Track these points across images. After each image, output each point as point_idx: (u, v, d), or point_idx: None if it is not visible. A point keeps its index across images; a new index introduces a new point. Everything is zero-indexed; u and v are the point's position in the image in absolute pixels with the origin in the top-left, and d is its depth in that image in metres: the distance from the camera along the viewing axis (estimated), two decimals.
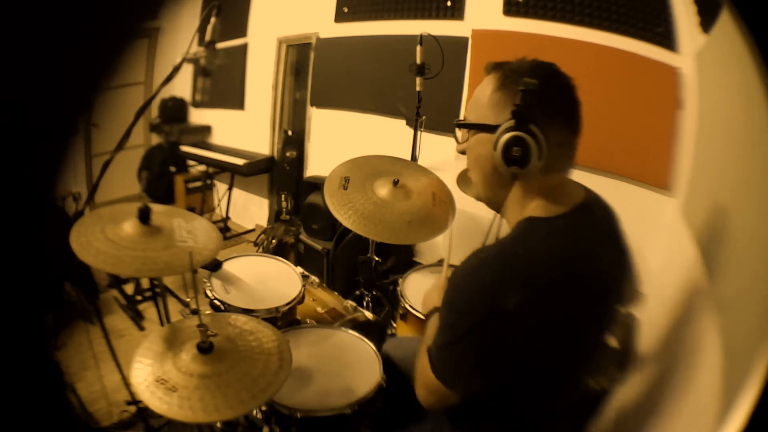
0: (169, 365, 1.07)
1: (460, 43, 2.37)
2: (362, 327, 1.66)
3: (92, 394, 1.93)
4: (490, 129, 0.86)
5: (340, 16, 2.96)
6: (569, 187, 0.91)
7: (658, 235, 1.54)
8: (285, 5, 3.30)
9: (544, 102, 0.82)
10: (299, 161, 3.28)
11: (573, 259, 0.81)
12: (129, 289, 2.62)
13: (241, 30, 3.50)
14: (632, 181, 1.86)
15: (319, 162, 3.25)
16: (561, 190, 0.90)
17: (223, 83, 3.57)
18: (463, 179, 1.95)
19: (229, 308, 1.51)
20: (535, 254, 0.81)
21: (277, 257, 1.84)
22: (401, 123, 2.63)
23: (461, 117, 0.96)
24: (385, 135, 2.78)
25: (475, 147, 0.91)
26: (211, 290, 1.57)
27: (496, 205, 0.94)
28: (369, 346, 1.39)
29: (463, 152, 0.96)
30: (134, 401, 1.73)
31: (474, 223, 2.29)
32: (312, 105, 3.23)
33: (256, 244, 3.07)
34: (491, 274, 0.80)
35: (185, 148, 3.57)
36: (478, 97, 0.91)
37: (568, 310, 0.80)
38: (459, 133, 0.96)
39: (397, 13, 2.67)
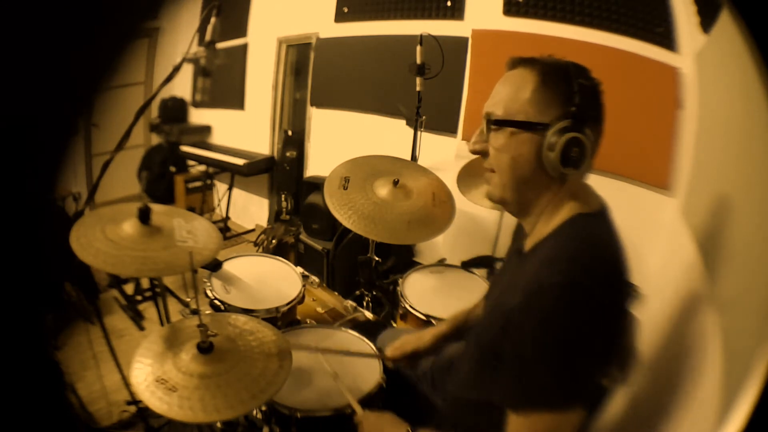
0: (169, 365, 1.07)
1: (460, 43, 2.37)
2: (362, 327, 1.66)
3: (92, 394, 1.93)
4: (537, 128, 0.83)
5: (340, 16, 2.96)
6: (590, 187, 0.92)
7: (658, 235, 1.54)
8: (285, 5, 3.31)
9: (594, 104, 0.83)
10: (299, 161, 3.28)
11: (620, 257, 0.83)
12: (129, 289, 2.62)
13: (241, 30, 3.50)
14: (632, 181, 1.87)
15: (319, 162, 3.25)
16: (586, 189, 0.90)
17: (223, 83, 3.57)
18: (463, 179, 1.95)
19: (229, 308, 1.51)
20: (605, 246, 0.82)
21: (277, 257, 1.84)
22: (401, 123, 2.63)
23: (486, 114, 0.91)
24: (385, 135, 2.78)
25: (513, 147, 0.86)
26: (211, 290, 1.57)
27: (524, 207, 0.91)
28: (369, 346, 1.39)
29: (479, 152, 0.91)
30: (134, 401, 1.73)
31: (474, 223, 2.30)
32: (312, 105, 3.23)
33: (256, 244, 3.07)
34: (585, 283, 0.75)
35: (185, 148, 3.58)
36: (512, 92, 0.86)
37: (624, 304, 0.82)
38: (479, 131, 0.91)
39: (397, 13, 2.68)
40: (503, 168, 0.88)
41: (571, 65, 0.85)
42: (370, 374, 1.27)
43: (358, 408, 1.13)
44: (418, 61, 2.02)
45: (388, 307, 2.01)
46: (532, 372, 0.77)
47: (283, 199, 3.16)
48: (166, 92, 3.76)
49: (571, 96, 0.81)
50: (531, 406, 0.78)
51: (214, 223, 2.70)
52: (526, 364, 0.78)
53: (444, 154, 2.43)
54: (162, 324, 1.67)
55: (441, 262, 1.99)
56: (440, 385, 1.25)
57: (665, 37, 1.71)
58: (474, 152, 0.93)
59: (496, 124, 0.87)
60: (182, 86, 3.76)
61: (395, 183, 1.65)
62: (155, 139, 3.70)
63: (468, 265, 1.90)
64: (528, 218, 0.92)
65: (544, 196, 0.88)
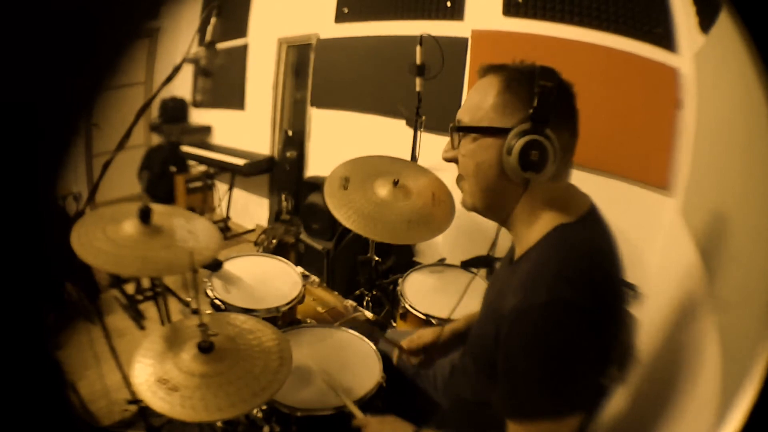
0: (170, 365, 1.07)
1: (459, 44, 2.38)
2: (362, 327, 1.66)
3: (93, 393, 1.94)
4: (498, 133, 0.83)
5: (340, 17, 2.97)
6: (575, 191, 0.90)
7: (658, 235, 1.54)
8: (285, 6, 3.31)
9: (557, 106, 0.81)
10: (299, 161, 3.28)
11: (610, 261, 0.82)
12: (130, 288, 2.62)
13: (241, 30, 3.50)
14: (631, 181, 1.87)
15: (319, 162, 3.25)
16: (569, 194, 0.89)
17: (224, 83, 3.57)
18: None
19: (229, 308, 1.51)
20: (590, 255, 0.80)
21: (278, 257, 1.84)
22: (401, 123, 2.63)
23: (456, 121, 0.91)
24: (385, 135, 2.78)
25: (477, 153, 0.86)
26: (211, 290, 1.57)
27: (498, 215, 0.91)
28: (369, 345, 1.39)
29: (451, 160, 0.92)
30: (135, 400, 1.73)
31: (474, 223, 2.29)
32: (312, 105, 3.23)
33: (256, 243, 3.08)
34: (570, 299, 0.74)
35: (186, 148, 3.58)
36: (479, 99, 0.86)
37: (616, 309, 0.82)
38: (450, 139, 0.91)
39: (397, 14, 2.68)
40: (470, 174, 0.89)
41: (538, 68, 0.84)
42: (369, 374, 1.27)
43: (358, 413, 1.10)
44: (418, 61, 2.03)
45: (388, 307, 2.01)
46: (525, 385, 0.78)
47: (283, 199, 3.17)
48: (167, 92, 3.76)
49: (531, 98, 0.80)
50: (527, 416, 0.78)
51: (215, 223, 2.71)
52: (519, 378, 0.78)
53: None
54: (163, 323, 1.67)
55: (441, 262, 1.99)
56: (443, 386, 1.25)
57: (664, 38, 1.71)
58: (445, 160, 0.93)
59: (459, 130, 0.88)
60: (182, 86, 3.75)
61: (395, 183, 1.65)
62: (156, 139, 3.70)
63: (468, 265, 1.90)
64: (508, 226, 0.91)
65: (515, 203, 0.86)
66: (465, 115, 0.88)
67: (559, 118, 0.82)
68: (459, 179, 0.92)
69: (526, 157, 0.79)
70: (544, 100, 0.79)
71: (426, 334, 1.23)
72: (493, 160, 0.84)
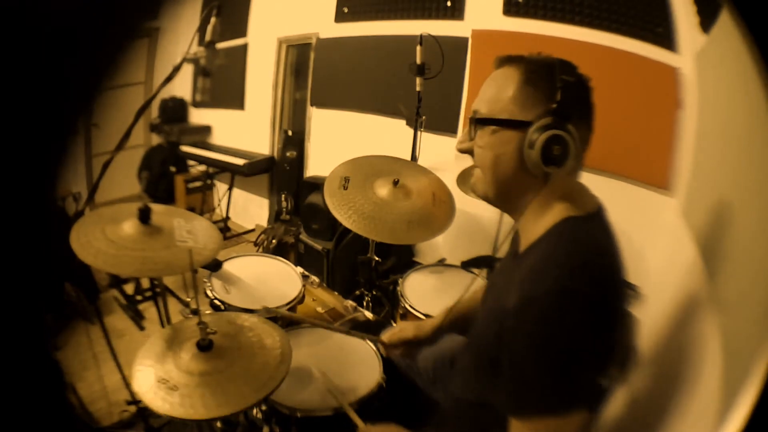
0: (169, 365, 1.07)
1: (460, 44, 2.38)
2: (362, 327, 1.66)
3: (92, 393, 1.94)
4: (519, 126, 0.82)
5: (340, 17, 2.97)
6: (586, 189, 0.90)
7: (659, 236, 1.54)
8: (285, 5, 3.31)
9: (579, 100, 0.81)
10: (299, 161, 3.28)
11: (613, 259, 0.82)
12: (129, 288, 2.62)
13: (241, 30, 3.51)
14: (632, 181, 1.87)
15: (319, 162, 3.25)
16: (580, 191, 0.89)
17: (223, 83, 3.57)
18: (463, 179, 1.95)
19: (229, 308, 1.51)
20: (596, 250, 0.80)
21: (278, 257, 1.84)
22: (401, 123, 2.63)
23: (472, 112, 0.90)
24: (385, 135, 2.78)
25: (495, 145, 0.85)
26: (211, 290, 1.57)
27: (510, 206, 0.90)
28: (369, 345, 1.39)
29: (466, 151, 0.91)
30: (134, 401, 1.73)
31: (474, 223, 2.30)
32: (312, 105, 3.23)
33: (256, 244, 3.08)
34: (574, 289, 0.74)
35: (185, 148, 3.58)
36: (497, 90, 0.85)
37: (619, 305, 0.82)
38: (466, 130, 0.90)
39: (397, 14, 2.68)
40: (486, 166, 0.88)
41: (557, 62, 0.83)
42: (370, 374, 1.27)
43: (359, 421, 1.09)
44: (418, 61, 2.02)
45: (388, 307, 2.01)
46: (529, 379, 0.77)
47: (283, 199, 3.16)
48: (167, 92, 3.76)
49: (554, 93, 0.79)
50: (530, 412, 0.78)
51: (214, 223, 2.71)
52: (523, 372, 0.77)
53: (444, 154, 2.43)
54: (162, 324, 1.67)
55: (441, 262, 1.99)
56: (441, 383, 1.25)
57: (665, 37, 1.71)
58: (460, 151, 0.92)
59: (480, 122, 0.87)
60: (182, 86, 3.76)
61: (395, 183, 1.65)
62: (155, 139, 3.70)
63: (468, 265, 1.90)
64: (517, 216, 0.91)
65: (530, 195, 0.86)
66: (483, 106, 0.87)
67: (579, 113, 0.82)
68: (474, 168, 0.91)
69: (548, 152, 0.79)
70: (566, 96, 0.79)
71: (407, 330, 1.23)
72: (513, 152, 0.83)
